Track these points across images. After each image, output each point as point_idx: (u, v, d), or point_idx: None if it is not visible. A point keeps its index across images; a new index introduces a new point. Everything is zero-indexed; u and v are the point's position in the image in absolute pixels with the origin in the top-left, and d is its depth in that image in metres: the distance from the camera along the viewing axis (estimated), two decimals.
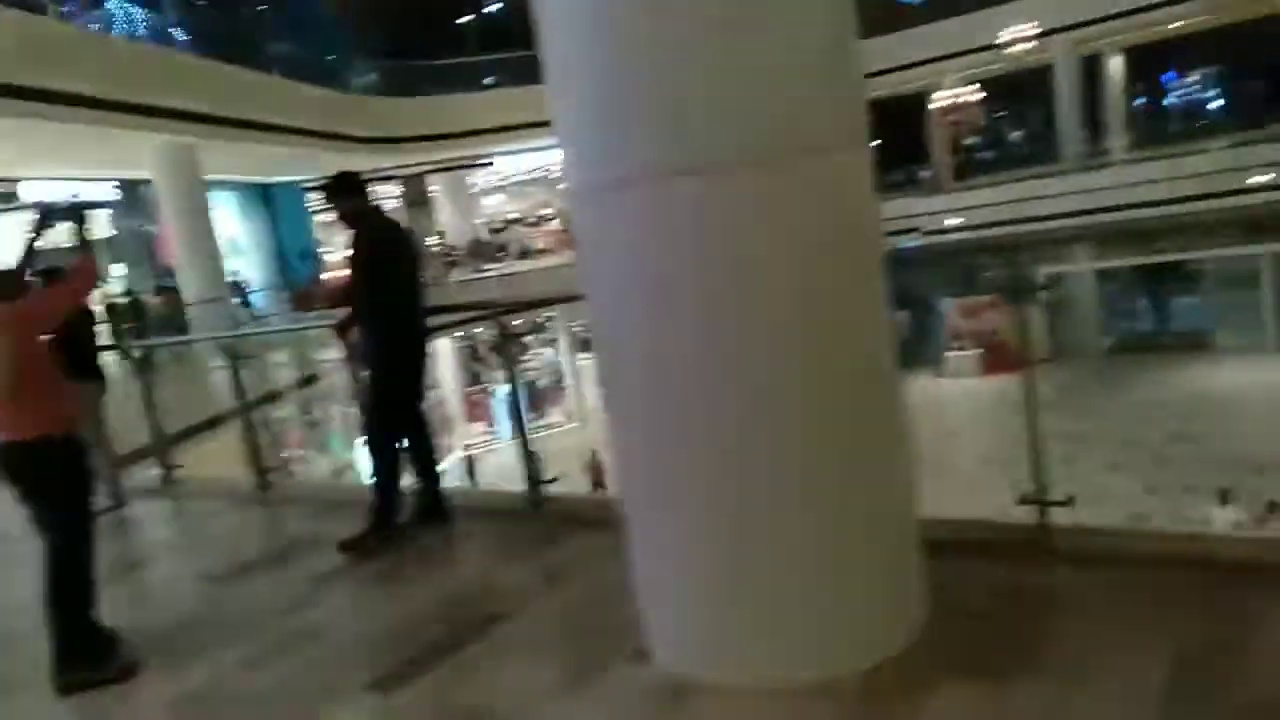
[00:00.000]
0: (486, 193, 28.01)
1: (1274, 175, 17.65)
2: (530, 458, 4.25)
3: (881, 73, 22.40)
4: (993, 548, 3.01)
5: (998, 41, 19.87)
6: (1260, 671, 2.20)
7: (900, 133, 26.58)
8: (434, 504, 4.27)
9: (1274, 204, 18.13)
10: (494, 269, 23.75)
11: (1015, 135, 31.20)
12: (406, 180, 25.56)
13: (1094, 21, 20.07)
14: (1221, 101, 28.71)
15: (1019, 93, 26.84)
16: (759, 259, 2.32)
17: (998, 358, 21.75)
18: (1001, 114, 30.62)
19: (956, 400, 19.88)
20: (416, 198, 26.49)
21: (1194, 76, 29.73)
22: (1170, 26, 21.21)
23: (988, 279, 19.07)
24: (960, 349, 22.05)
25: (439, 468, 4.42)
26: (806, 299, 2.35)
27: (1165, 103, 29.75)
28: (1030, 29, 19.69)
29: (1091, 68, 23.08)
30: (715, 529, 2.47)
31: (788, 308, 2.34)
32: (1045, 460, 3.04)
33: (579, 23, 2.37)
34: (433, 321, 4.69)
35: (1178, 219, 17.22)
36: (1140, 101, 27.83)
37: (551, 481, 4.22)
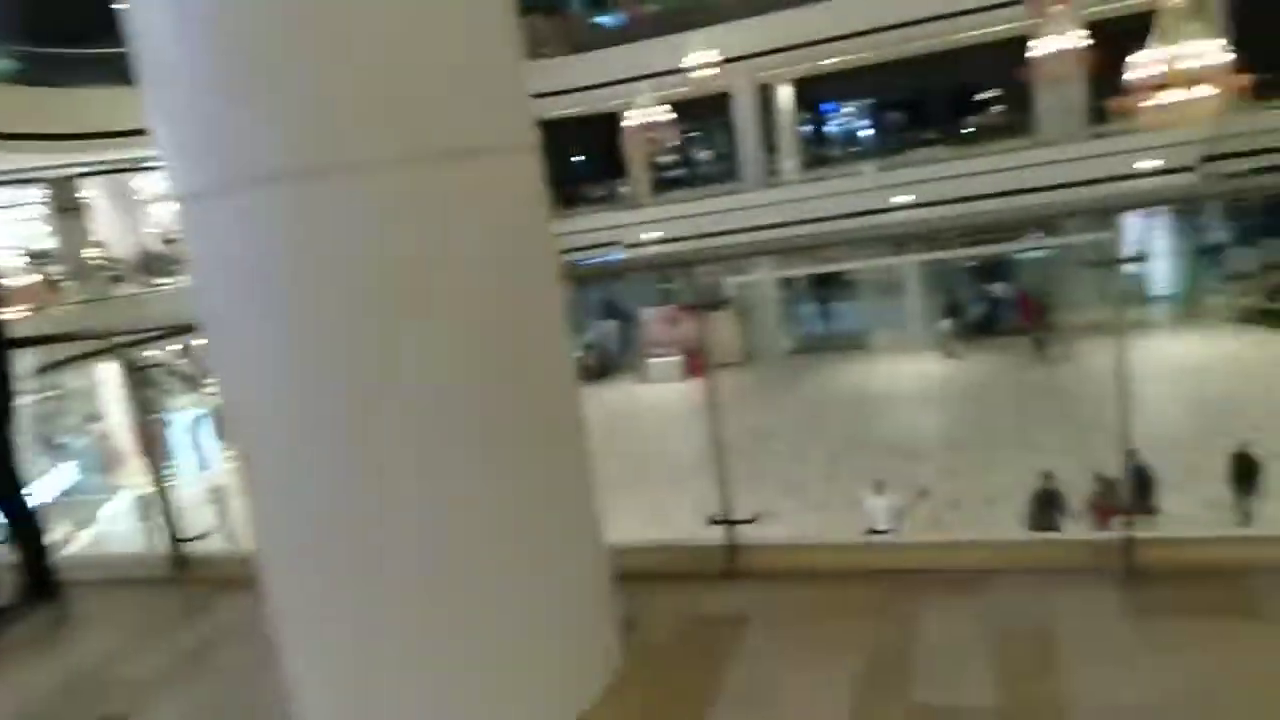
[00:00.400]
0: (158, 200, 24.96)
1: (914, 197, 20.32)
2: (171, 512, 3.58)
3: (582, 89, 22.97)
4: (684, 573, 2.92)
5: (683, 66, 21.05)
6: (932, 679, 2.25)
7: (601, 149, 27.41)
8: (40, 579, 3.45)
9: (913, 222, 20.91)
10: (167, 283, 21.18)
11: (705, 154, 33.40)
12: (54, 184, 22.05)
13: (765, 53, 21.94)
14: (871, 130, 32.73)
15: (707, 115, 28.75)
16: (407, 269, 2.00)
17: (697, 363, 23.10)
18: (693, 134, 32.66)
19: (659, 405, 20.75)
20: (67, 204, 22.96)
21: (849, 107, 33.66)
22: (827, 62, 23.72)
23: (684, 289, 20.17)
24: (663, 355, 23.09)
25: (45, 531, 3.57)
26: (462, 312, 2.07)
27: (826, 130, 33.35)
28: (712, 56, 21.08)
29: (766, 95, 25.23)
30: (358, 585, 2.10)
31: (442, 322, 2.04)
32: (733, 472, 3.01)
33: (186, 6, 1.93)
34: (52, 355, 3.83)
35: (841, 234, 19.26)
36: (807, 128, 30.92)
37: (200, 538, 3.58)
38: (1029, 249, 22.26)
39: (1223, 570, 2.40)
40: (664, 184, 27.81)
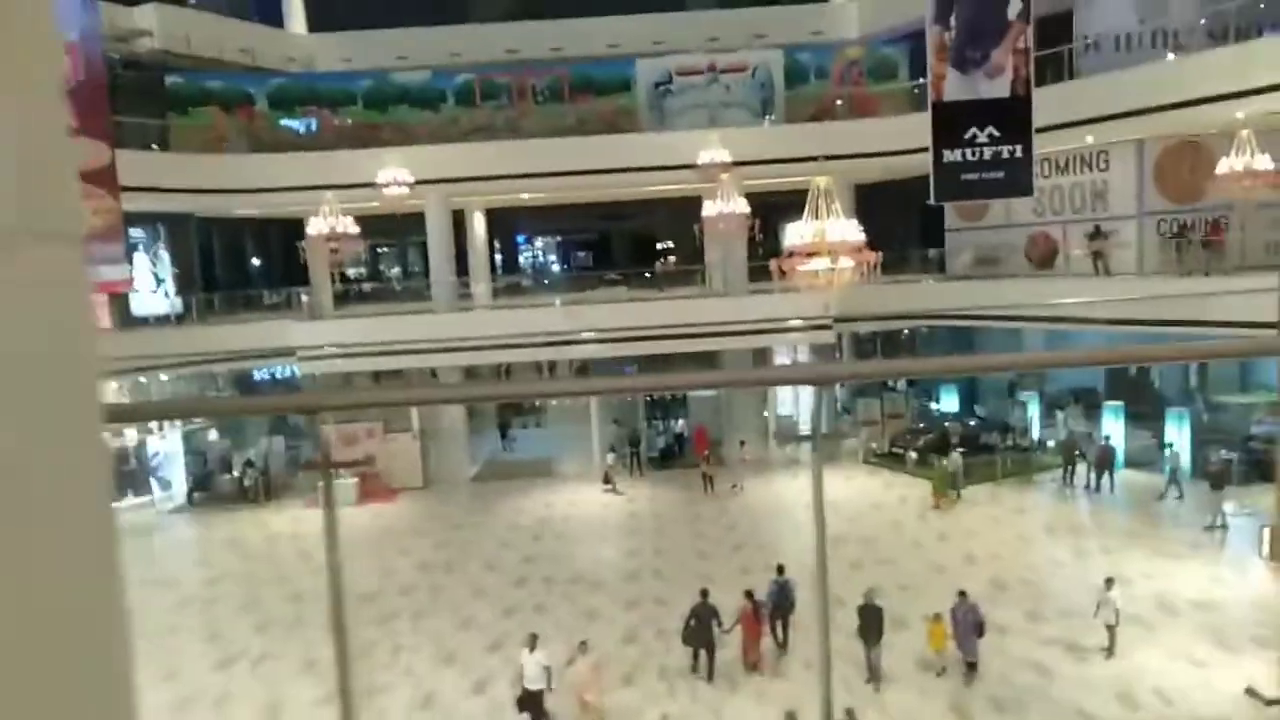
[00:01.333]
0: None
1: (596, 331, 21.23)
2: None
3: (264, 191, 21.58)
4: None
5: (375, 181, 20.59)
6: None
7: (284, 255, 25.78)
8: None
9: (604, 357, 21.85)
10: None
11: (395, 271, 32.81)
12: None
13: (458, 180, 22.15)
14: (560, 265, 34.34)
15: (401, 233, 28.40)
16: None
17: (373, 486, 21.81)
18: (385, 249, 32.05)
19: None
20: None
21: (541, 241, 35.14)
22: (522, 196, 24.59)
23: (367, 409, 19.16)
24: (337, 477, 21.50)
25: None
26: None
27: (518, 260, 34.42)
28: (404, 174, 20.85)
29: (460, 220, 25.42)
30: None
31: None
32: (406, 614, 2.61)
33: None
34: None
35: (531, 364, 19.50)
36: (499, 256, 31.66)
37: None
38: (700, 388, 24.06)
39: None
40: (350, 296, 26.69)
